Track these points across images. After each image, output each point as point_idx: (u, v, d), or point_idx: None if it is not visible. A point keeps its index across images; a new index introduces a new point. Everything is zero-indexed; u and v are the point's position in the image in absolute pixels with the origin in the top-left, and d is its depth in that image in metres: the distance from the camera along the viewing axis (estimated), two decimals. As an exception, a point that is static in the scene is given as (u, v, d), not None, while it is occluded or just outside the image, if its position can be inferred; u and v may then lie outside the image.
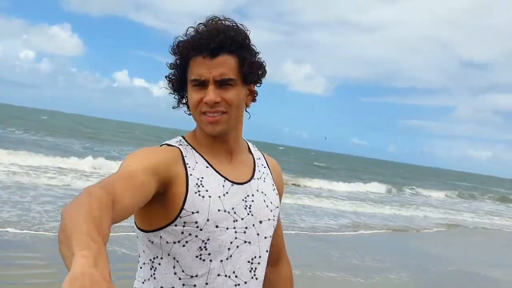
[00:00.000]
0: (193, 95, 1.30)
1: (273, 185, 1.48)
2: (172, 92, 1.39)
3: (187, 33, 1.32)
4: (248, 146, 1.51)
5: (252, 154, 1.49)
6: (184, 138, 1.39)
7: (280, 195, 1.52)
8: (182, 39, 1.32)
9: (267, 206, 1.41)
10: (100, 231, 0.83)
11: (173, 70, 1.36)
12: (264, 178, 1.45)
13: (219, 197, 1.30)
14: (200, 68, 1.27)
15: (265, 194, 1.42)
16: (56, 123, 55.23)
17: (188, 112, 1.38)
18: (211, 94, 1.26)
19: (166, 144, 1.36)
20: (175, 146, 1.34)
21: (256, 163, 1.46)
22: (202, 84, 1.28)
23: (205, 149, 1.36)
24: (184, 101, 1.39)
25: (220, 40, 1.26)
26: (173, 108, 1.41)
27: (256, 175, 1.43)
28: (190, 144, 1.37)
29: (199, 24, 1.32)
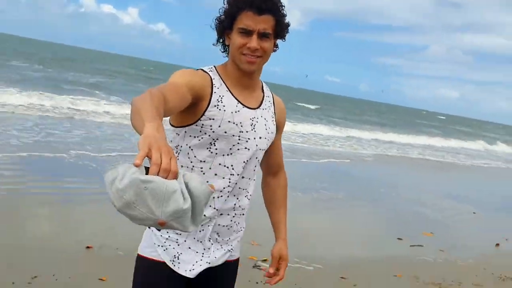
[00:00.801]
0: (239, 39, 1.68)
1: (272, 117, 1.90)
2: (216, 32, 1.77)
3: None
4: (262, 85, 1.91)
5: (263, 92, 1.90)
6: (215, 68, 1.80)
7: (279, 126, 1.97)
8: None
9: (266, 128, 1.85)
10: (159, 112, 1.25)
11: (224, 15, 1.72)
12: (268, 110, 1.89)
13: (232, 112, 1.73)
14: (248, 20, 1.66)
15: (267, 121, 1.87)
16: (38, 53, 51.91)
17: (223, 50, 1.81)
18: (255, 42, 1.67)
19: (201, 69, 1.77)
20: (207, 73, 1.75)
21: (264, 99, 1.88)
22: (247, 33, 1.67)
23: (231, 80, 1.78)
24: (220, 40, 1.79)
25: (268, 3, 1.67)
26: (213, 45, 1.82)
27: (263, 106, 1.86)
28: (219, 74, 1.78)
29: None
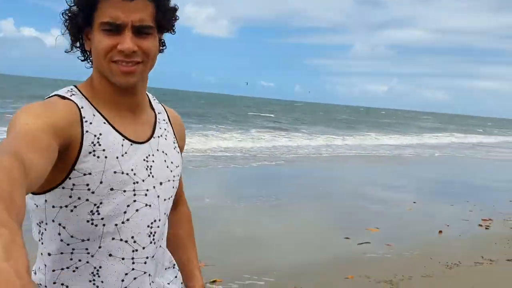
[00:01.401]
0: (104, 40, 1.13)
1: (174, 142, 1.37)
2: (68, 33, 1.20)
3: None
4: (149, 98, 1.36)
5: (153, 108, 1.36)
6: (77, 89, 1.22)
7: (181, 150, 1.43)
8: None
9: (167, 166, 1.31)
10: (12, 210, 0.63)
11: (73, 7, 1.16)
12: (166, 136, 1.34)
13: (117, 157, 1.17)
14: (115, 10, 1.11)
15: (166, 154, 1.32)
16: None
17: (83, 58, 1.24)
18: (129, 41, 1.12)
19: (57, 95, 1.17)
20: (70, 99, 1.16)
21: (157, 119, 1.34)
22: (116, 29, 1.13)
23: (104, 103, 1.21)
24: (77, 44, 1.22)
25: None
26: (65, 52, 1.23)
27: (157, 133, 1.31)
28: (86, 98, 1.19)
29: None
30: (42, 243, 1.18)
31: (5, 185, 0.68)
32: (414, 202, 8.39)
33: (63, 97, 1.16)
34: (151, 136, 1.29)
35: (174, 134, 1.39)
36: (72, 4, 1.16)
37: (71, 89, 1.20)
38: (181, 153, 1.41)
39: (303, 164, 13.26)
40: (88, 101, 1.19)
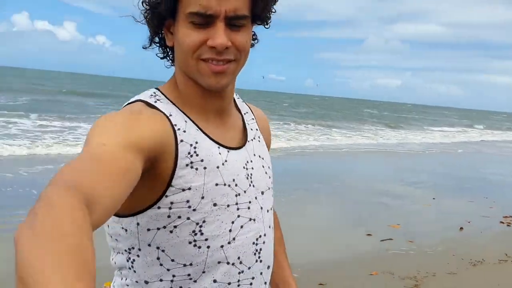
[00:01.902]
0: (192, 34, 0.96)
1: (264, 144, 1.22)
2: (148, 25, 1.04)
3: None
4: (234, 98, 1.19)
5: (238, 108, 1.20)
6: (161, 93, 1.06)
7: (268, 148, 1.28)
8: None
9: (266, 172, 1.16)
10: (84, 272, 0.52)
11: None
12: (259, 137, 1.19)
13: (218, 167, 1.02)
14: None
15: (263, 158, 1.17)
16: None
17: (162, 55, 1.09)
18: (223, 36, 0.95)
19: (140, 101, 1.02)
20: (157, 108, 1.00)
21: (245, 120, 1.18)
22: (206, 21, 0.95)
23: (191, 107, 1.05)
24: (156, 39, 1.07)
25: None
26: (143, 48, 1.07)
27: (250, 136, 1.16)
28: (173, 103, 1.04)
29: None
30: (134, 271, 1.03)
31: (71, 237, 0.55)
32: (433, 198, 8.39)
33: (148, 104, 1.01)
34: (246, 140, 1.14)
35: (260, 133, 1.22)
36: None
37: (154, 93, 1.05)
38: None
39: (320, 157, 13.29)
40: (176, 106, 1.03)
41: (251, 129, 1.17)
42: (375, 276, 4.51)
